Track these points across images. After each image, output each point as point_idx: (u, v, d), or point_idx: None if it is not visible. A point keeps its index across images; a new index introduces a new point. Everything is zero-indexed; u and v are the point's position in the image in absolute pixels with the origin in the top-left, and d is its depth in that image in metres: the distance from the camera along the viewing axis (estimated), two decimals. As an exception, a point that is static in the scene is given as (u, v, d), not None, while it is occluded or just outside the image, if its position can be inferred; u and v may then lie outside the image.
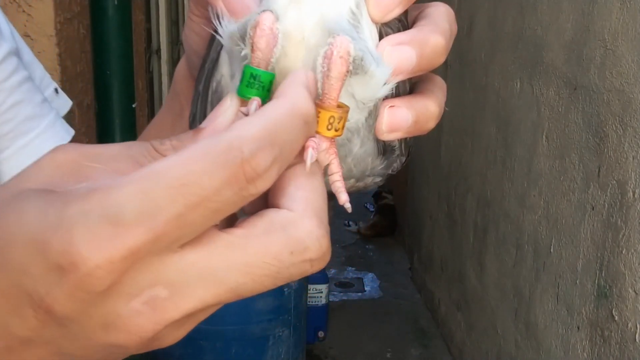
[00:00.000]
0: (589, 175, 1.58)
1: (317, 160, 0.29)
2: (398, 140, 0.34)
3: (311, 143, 0.29)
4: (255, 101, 0.29)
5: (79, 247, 0.21)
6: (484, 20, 2.41)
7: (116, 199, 0.22)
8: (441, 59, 0.32)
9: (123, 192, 0.22)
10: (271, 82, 0.30)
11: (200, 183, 0.23)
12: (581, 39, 1.63)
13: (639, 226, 1.35)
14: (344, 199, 0.32)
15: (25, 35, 1.60)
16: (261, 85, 0.29)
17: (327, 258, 0.26)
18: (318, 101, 0.30)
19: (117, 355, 0.25)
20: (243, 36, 0.30)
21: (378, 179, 0.36)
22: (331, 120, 0.30)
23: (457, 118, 2.75)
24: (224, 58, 0.33)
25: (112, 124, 1.84)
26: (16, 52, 0.60)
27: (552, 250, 1.80)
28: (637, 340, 1.35)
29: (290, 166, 0.27)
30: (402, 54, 0.31)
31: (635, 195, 1.36)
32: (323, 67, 0.30)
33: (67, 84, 1.68)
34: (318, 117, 0.29)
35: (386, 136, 0.33)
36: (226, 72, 0.33)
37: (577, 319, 1.64)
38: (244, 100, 0.29)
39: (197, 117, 0.35)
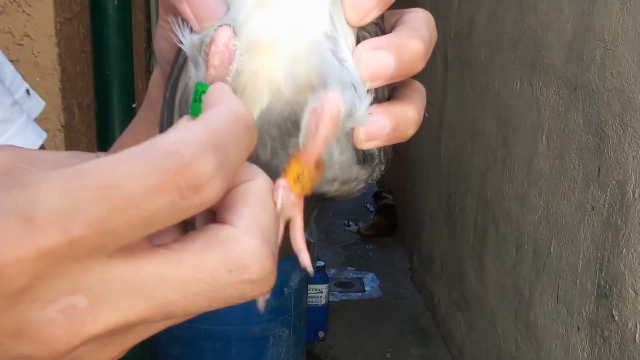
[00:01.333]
0: (589, 175, 1.58)
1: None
2: (377, 149, 0.33)
3: (282, 183, 0.28)
4: None
5: None
6: (484, 20, 2.41)
7: (33, 195, 0.20)
8: (420, 65, 0.31)
9: (41, 188, 0.20)
10: None
11: (127, 187, 0.20)
12: (581, 39, 1.63)
13: (639, 226, 1.35)
14: (305, 259, 0.30)
15: (25, 35, 1.60)
16: None
17: (271, 282, 0.23)
18: (295, 153, 0.28)
19: None
20: (201, 45, 0.29)
21: (361, 186, 0.34)
22: (300, 176, 0.28)
23: (457, 118, 2.75)
24: (190, 66, 0.31)
25: (112, 124, 1.84)
26: None
27: (552, 250, 1.80)
28: (637, 340, 1.35)
29: (241, 183, 0.25)
30: (380, 59, 0.30)
31: (635, 195, 1.36)
32: (310, 122, 0.28)
33: (67, 84, 1.68)
34: (288, 167, 0.28)
35: (365, 145, 0.31)
36: (193, 79, 0.31)
37: (577, 319, 1.64)
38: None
39: (164, 126, 0.33)
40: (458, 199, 2.73)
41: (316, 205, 0.34)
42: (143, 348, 2.08)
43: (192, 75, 0.31)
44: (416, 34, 0.31)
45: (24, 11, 1.59)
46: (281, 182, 0.28)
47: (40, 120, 0.70)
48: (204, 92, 0.27)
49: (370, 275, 3.53)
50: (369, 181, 0.35)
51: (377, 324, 3.00)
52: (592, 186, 1.56)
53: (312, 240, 2.54)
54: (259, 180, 0.25)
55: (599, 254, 1.52)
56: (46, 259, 0.20)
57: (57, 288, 0.21)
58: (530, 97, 1.97)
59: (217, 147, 0.22)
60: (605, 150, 1.50)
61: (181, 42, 0.30)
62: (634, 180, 1.37)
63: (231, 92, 0.25)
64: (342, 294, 3.29)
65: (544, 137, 1.86)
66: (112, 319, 0.21)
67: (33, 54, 1.61)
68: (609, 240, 1.47)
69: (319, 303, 2.74)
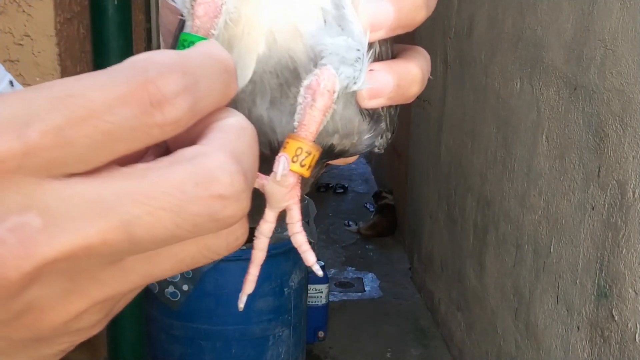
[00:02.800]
0: (589, 175, 1.58)
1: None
2: (382, 110, 0.32)
3: (283, 155, 0.27)
4: None
5: None
6: (484, 20, 2.41)
7: None
8: (421, 15, 0.30)
9: (1, 99, 0.19)
10: None
11: (89, 95, 0.19)
12: (581, 39, 1.63)
13: (639, 226, 1.35)
14: (310, 259, 0.29)
15: (25, 35, 1.60)
16: None
17: (244, 203, 0.21)
18: (293, 133, 0.28)
19: None
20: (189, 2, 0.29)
21: (365, 143, 0.33)
22: (298, 152, 0.28)
23: (457, 118, 2.75)
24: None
25: (112, 124, 1.84)
26: None
27: (552, 250, 1.80)
28: (637, 340, 1.35)
29: (219, 120, 0.23)
30: (379, 7, 0.29)
31: (635, 195, 1.36)
32: (306, 98, 0.28)
33: (67, 84, 1.68)
34: (285, 146, 0.28)
35: (368, 103, 0.31)
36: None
37: (577, 319, 1.64)
38: None
39: None
40: (458, 199, 2.73)
41: (321, 162, 0.33)
42: (143, 348, 2.08)
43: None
44: None
45: (24, 11, 1.59)
46: (282, 154, 0.28)
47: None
48: (186, 40, 0.27)
49: (370, 275, 3.53)
50: (377, 149, 0.34)
51: (377, 324, 3.00)
52: (592, 186, 1.56)
53: (312, 240, 2.54)
54: (238, 116, 0.23)
55: (598, 254, 1.52)
56: None
57: (7, 204, 0.19)
58: (530, 97, 1.97)
59: (185, 72, 0.21)
60: (605, 150, 1.50)
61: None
62: (634, 180, 1.37)
63: (218, 44, 0.24)
64: (342, 294, 3.29)
65: (544, 137, 1.86)
66: (69, 239, 0.19)
67: (33, 54, 1.61)
68: (609, 240, 1.47)
69: (319, 303, 2.74)
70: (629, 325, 1.38)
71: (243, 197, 0.21)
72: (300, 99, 0.28)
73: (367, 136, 0.33)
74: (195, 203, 0.20)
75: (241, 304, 0.30)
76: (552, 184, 1.80)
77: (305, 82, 0.29)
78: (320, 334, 2.77)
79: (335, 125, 0.31)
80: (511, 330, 2.10)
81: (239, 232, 0.23)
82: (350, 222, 4.21)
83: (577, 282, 1.64)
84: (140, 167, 0.21)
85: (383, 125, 0.33)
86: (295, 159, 0.28)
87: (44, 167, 0.19)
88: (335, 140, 0.32)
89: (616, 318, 1.44)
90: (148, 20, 2.32)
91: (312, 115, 0.28)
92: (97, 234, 0.19)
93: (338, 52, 0.29)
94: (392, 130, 0.34)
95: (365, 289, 3.38)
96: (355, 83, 0.29)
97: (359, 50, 0.29)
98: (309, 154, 0.28)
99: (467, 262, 2.59)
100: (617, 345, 1.43)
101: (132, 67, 0.20)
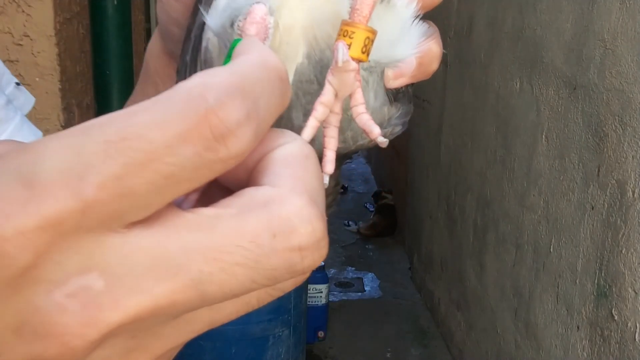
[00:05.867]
0: (588, 175, 1.58)
1: (311, 142, 0.26)
2: (402, 88, 0.33)
3: (339, 43, 0.27)
4: None
5: None
6: (484, 20, 2.41)
7: (35, 156, 0.16)
8: (436, 65, 0.32)
9: (45, 147, 0.17)
10: None
11: (147, 136, 0.17)
12: (581, 39, 1.63)
13: (639, 226, 1.35)
14: (376, 132, 0.29)
15: (25, 35, 1.60)
16: None
17: (323, 250, 0.19)
18: (348, 20, 0.28)
19: None
20: (233, 24, 0.29)
21: (398, 129, 0.35)
22: (367, 42, 0.28)
23: (457, 118, 2.75)
24: (208, 29, 0.31)
25: (111, 124, 1.84)
26: None
27: (551, 250, 1.80)
28: (637, 339, 1.35)
29: (277, 147, 0.21)
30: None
31: (635, 195, 1.36)
32: None
33: (66, 84, 1.68)
34: (351, 37, 0.28)
35: (393, 83, 0.32)
36: (213, 37, 0.31)
37: (576, 319, 1.64)
38: None
39: None
40: (458, 199, 2.73)
41: (348, 155, 0.34)
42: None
43: (210, 36, 0.31)
44: None
45: (23, 11, 1.59)
46: (339, 42, 0.28)
47: (39, 120, 0.70)
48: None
49: (370, 275, 3.53)
50: (404, 123, 0.35)
51: (377, 324, 3.00)
52: (591, 186, 1.56)
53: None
54: (297, 142, 0.21)
55: (598, 254, 1.52)
56: (52, 229, 0.16)
57: (66, 267, 0.17)
58: (530, 97, 1.97)
59: (245, 94, 0.19)
60: (605, 150, 1.50)
61: (209, 24, 0.30)
62: (633, 180, 1.37)
63: (263, 45, 0.22)
64: (342, 294, 3.29)
65: (543, 136, 1.86)
66: (135, 302, 0.17)
67: (32, 54, 1.61)
68: (609, 239, 1.47)
69: (319, 303, 2.74)
70: (629, 324, 1.38)
71: (323, 245, 0.19)
72: None
73: (396, 121, 0.34)
74: (273, 257, 0.19)
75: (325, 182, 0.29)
76: (552, 183, 1.80)
77: None
78: (320, 334, 2.77)
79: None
80: (511, 330, 2.10)
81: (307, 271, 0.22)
82: (350, 222, 4.21)
83: (577, 281, 1.64)
84: (206, 213, 0.19)
85: (406, 104, 0.35)
86: (364, 49, 0.28)
87: (102, 222, 0.17)
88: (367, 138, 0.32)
89: (616, 318, 1.44)
90: (148, 20, 2.32)
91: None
92: (166, 294, 0.18)
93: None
94: (410, 102, 0.36)
95: (365, 289, 3.38)
96: None
97: None
98: (371, 40, 0.28)
99: (467, 262, 2.59)
100: (617, 345, 1.43)
101: (188, 95, 0.18)
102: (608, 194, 1.48)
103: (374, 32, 0.28)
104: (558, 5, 1.76)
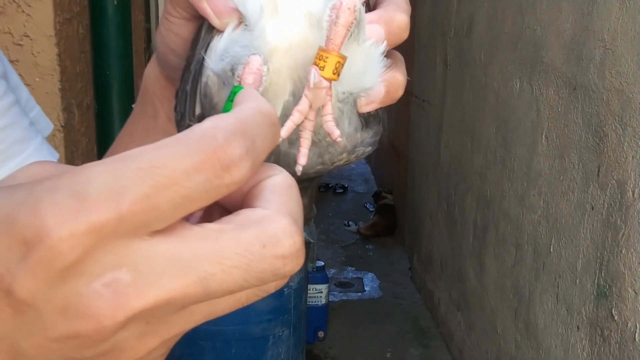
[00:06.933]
0: (588, 175, 1.58)
1: (294, 174, 0.31)
2: (376, 111, 0.39)
3: (313, 67, 0.33)
4: None
5: (43, 219, 0.21)
6: (484, 20, 2.41)
7: (85, 176, 0.22)
8: (405, 35, 0.37)
9: (92, 171, 0.22)
10: None
11: (170, 165, 0.23)
12: (580, 39, 1.63)
13: (639, 226, 1.35)
14: (336, 134, 0.35)
15: (25, 35, 1.60)
16: None
17: (301, 259, 0.25)
18: (323, 47, 0.34)
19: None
20: (232, 70, 0.34)
21: (369, 148, 0.40)
22: (337, 66, 0.33)
23: (457, 118, 2.75)
24: (208, 70, 0.37)
25: (111, 124, 1.84)
26: (4, 75, 0.60)
27: (551, 250, 1.80)
28: (637, 339, 1.35)
29: (267, 177, 0.27)
30: (372, 31, 0.36)
31: (635, 195, 1.37)
32: (331, 16, 0.34)
33: (66, 84, 1.68)
34: (325, 61, 0.33)
35: (365, 108, 0.37)
36: (212, 75, 0.36)
37: (576, 319, 1.64)
38: None
39: (185, 115, 0.38)
40: (458, 199, 2.73)
41: (317, 178, 0.40)
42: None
43: (210, 74, 0.36)
44: (400, 8, 0.37)
45: (23, 11, 1.59)
46: (312, 68, 0.33)
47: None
48: (236, 93, 0.31)
49: (370, 275, 3.53)
50: (374, 142, 0.40)
51: (377, 324, 3.00)
52: (591, 186, 1.56)
53: (311, 241, 2.55)
54: (282, 174, 0.28)
55: (598, 254, 1.53)
56: (96, 234, 0.22)
57: (104, 263, 0.22)
58: (529, 97, 1.97)
59: (245, 134, 0.24)
60: (605, 150, 1.50)
61: (210, 67, 0.36)
62: (633, 180, 1.37)
63: (259, 95, 0.29)
64: (342, 294, 3.29)
65: (543, 137, 1.86)
66: (154, 293, 0.23)
67: (32, 54, 1.61)
68: (609, 239, 1.47)
69: (319, 303, 2.74)
70: (629, 324, 1.38)
71: (300, 255, 0.25)
72: (325, 19, 0.34)
73: (368, 141, 0.40)
74: (262, 262, 0.24)
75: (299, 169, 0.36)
76: (552, 183, 1.80)
77: (330, 3, 0.34)
78: (320, 334, 2.77)
79: (343, 146, 0.38)
80: (511, 330, 2.10)
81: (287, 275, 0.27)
82: (350, 222, 4.21)
83: (577, 281, 1.64)
84: (211, 227, 0.24)
85: (376, 125, 0.40)
86: (335, 71, 0.33)
87: (132, 230, 0.22)
88: (344, 157, 0.38)
89: (616, 318, 1.44)
90: (147, 20, 2.32)
91: (337, 30, 0.34)
92: (178, 288, 0.23)
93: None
94: (380, 125, 0.41)
95: (365, 289, 3.39)
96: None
97: None
98: (341, 64, 0.34)
99: (467, 262, 2.59)
100: (617, 345, 1.43)
101: (202, 135, 0.24)
102: (608, 194, 1.48)
103: (344, 58, 0.34)
104: (558, 5, 1.76)
